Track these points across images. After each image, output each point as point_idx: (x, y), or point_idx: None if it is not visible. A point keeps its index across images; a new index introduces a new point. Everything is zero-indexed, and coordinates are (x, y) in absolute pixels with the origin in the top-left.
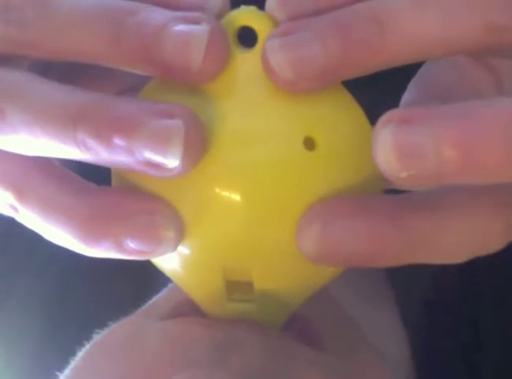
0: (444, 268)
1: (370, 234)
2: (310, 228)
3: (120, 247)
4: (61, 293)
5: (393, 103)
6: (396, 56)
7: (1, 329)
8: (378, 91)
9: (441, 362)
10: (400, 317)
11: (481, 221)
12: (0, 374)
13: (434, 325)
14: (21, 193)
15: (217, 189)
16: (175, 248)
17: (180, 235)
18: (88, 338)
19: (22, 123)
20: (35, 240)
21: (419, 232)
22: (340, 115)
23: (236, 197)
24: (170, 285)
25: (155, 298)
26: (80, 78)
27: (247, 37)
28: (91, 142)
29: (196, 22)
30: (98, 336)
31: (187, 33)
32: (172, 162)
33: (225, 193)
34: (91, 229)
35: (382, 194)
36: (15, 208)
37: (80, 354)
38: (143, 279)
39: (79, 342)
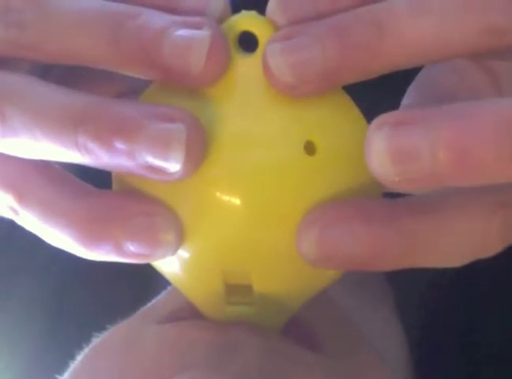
0: (443, 272)
1: (369, 237)
2: (309, 231)
3: (120, 250)
4: (61, 294)
5: (393, 106)
6: (395, 60)
7: (1, 330)
8: (378, 95)
9: (440, 364)
10: (400, 319)
11: (480, 221)
12: (0, 374)
13: (433, 328)
14: (21, 196)
15: (217, 193)
16: (174, 251)
17: (180, 238)
18: (87, 339)
19: (22, 126)
20: (35, 242)
21: (418, 235)
22: (340, 120)
23: (236, 201)
24: (168, 288)
25: (153, 302)
26: (79, 81)
27: (248, 42)
28: (91, 145)
29: (197, 27)
30: (96, 340)
31: (189, 38)
32: (174, 166)
33: (225, 197)
34: (90, 232)
35: (381, 197)
36: (15, 211)
37: (79, 357)
38: (143, 281)
39: (79, 343)
